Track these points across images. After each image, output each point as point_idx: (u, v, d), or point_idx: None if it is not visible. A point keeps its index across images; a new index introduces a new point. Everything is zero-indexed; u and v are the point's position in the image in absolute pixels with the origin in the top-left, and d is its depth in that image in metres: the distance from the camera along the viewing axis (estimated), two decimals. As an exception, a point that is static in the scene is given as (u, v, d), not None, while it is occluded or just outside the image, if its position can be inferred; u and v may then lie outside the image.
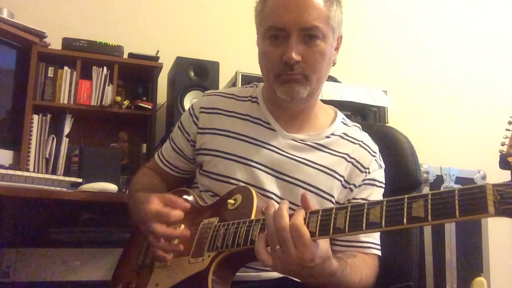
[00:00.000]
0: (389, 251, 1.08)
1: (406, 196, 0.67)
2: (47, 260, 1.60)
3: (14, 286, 1.53)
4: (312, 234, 0.74)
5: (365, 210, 0.70)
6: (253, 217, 0.87)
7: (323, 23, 0.98)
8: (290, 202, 1.00)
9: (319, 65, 1.00)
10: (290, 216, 0.76)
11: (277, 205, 0.80)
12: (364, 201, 0.73)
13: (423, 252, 2.03)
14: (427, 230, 2.12)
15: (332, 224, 0.73)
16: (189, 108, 1.16)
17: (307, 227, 0.74)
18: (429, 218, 0.63)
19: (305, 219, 0.76)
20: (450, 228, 2.20)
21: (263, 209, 0.87)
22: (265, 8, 1.01)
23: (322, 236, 0.74)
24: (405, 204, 0.66)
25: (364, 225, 0.69)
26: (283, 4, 0.97)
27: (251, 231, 0.82)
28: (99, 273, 1.64)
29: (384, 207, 0.68)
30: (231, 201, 0.93)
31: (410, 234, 1.19)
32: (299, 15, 0.95)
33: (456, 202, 0.61)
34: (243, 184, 1.00)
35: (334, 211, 0.74)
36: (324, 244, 0.76)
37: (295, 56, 0.95)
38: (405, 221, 0.65)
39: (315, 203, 1.00)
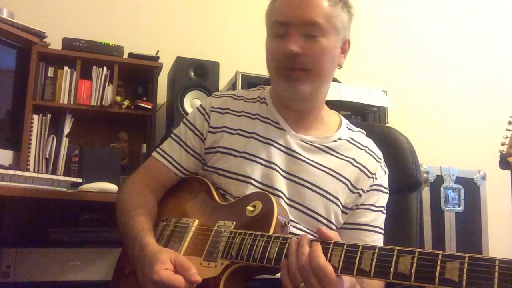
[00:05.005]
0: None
1: (441, 252, 0.63)
2: (47, 260, 1.60)
3: (14, 286, 1.53)
4: (334, 269, 0.72)
5: (394, 257, 0.67)
6: (272, 231, 0.85)
7: (324, 20, 0.99)
8: (296, 202, 1.00)
9: (319, 60, 1.00)
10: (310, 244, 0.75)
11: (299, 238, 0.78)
12: (394, 247, 0.69)
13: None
14: (427, 231, 2.12)
15: (356, 264, 0.70)
16: (197, 108, 1.16)
17: (330, 260, 0.73)
18: (464, 284, 0.59)
19: (327, 251, 0.74)
20: (450, 228, 2.20)
21: (282, 222, 0.87)
22: (273, 8, 1.05)
23: (345, 274, 0.72)
24: (439, 262, 0.62)
25: (391, 274, 0.66)
26: (287, 1, 1.01)
27: (268, 248, 0.80)
28: (99, 273, 1.64)
29: (416, 259, 0.65)
30: (249, 207, 0.91)
31: (411, 235, 1.20)
32: (300, 10, 0.99)
33: (496, 274, 0.57)
34: (259, 190, 0.98)
35: (360, 249, 0.71)
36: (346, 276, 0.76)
37: (294, 48, 0.97)
38: (436, 281, 0.61)
39: (321, 205, 1.01)
